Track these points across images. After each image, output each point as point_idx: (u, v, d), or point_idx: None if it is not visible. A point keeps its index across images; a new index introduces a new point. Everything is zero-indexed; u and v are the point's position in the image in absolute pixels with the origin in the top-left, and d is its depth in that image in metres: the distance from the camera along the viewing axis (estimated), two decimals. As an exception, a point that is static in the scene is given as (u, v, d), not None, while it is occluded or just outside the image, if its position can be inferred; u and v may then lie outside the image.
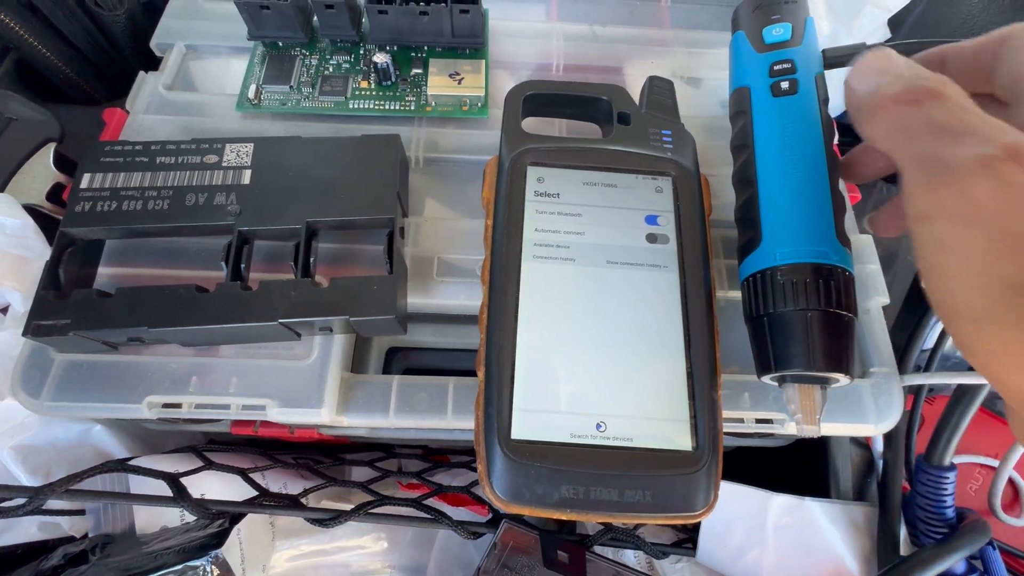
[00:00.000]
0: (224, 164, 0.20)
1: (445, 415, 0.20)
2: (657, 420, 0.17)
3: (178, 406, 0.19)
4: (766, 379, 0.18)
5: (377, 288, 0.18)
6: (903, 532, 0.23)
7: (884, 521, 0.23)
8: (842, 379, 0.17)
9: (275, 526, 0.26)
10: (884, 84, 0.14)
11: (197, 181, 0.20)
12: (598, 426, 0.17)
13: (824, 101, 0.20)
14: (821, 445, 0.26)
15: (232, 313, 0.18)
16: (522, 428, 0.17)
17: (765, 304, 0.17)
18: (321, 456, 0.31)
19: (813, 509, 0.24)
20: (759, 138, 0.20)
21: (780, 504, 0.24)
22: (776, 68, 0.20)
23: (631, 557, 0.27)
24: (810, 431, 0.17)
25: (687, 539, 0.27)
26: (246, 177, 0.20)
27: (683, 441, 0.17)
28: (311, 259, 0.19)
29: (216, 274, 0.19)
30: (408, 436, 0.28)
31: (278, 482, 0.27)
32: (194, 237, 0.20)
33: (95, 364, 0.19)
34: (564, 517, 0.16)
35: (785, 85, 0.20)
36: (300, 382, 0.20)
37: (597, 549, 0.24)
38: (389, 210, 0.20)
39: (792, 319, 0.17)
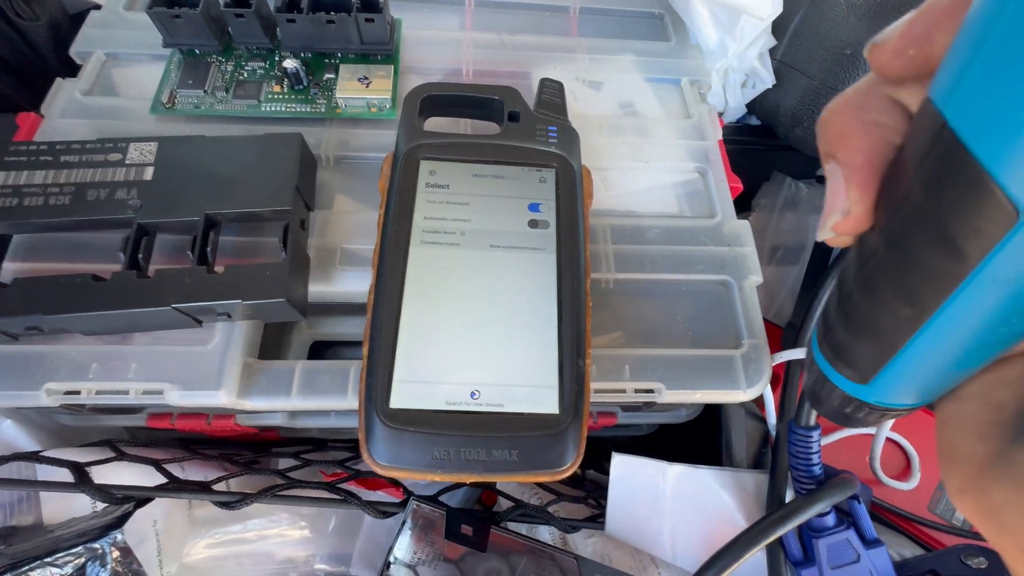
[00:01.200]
0: (127, 162, 0.21)
1: (346, 395, 0.21)
2: (527, 387, 0.19)
3: (78, 393, 0.20)
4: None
5: (270, 273, 0.20)
6: (789, 496, 0.25)
7: (772, 484, 0.25)
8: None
9: (193, 517, 0.26)
10: None
11: (100, 178, 0.21)
12: (472, 394, 0.18)
13: None
14: (719, 420, 0.28)
15: (127, 299, 0.19)
16: (400, 397, 0.18)
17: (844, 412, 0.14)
18: (250, 450, 0.31)
19: (706, 477, 0.26)
20: None
21: (676, 473, 0.25)
22: None
23: (546, 534, 0.28)
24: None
25: (599, 514, 0.28)
26: (148, 174, 0.21)
27: (550, 405, 0.18)
28: (207, 249, 0.20)
29: (118, 267, 0.20)
30: (332, 425, 0.29)
31: (198, 474, 0.27)
32: (96, 232, 0.21)
33: (-5, 354, 0.20)
34: (436, 478, 0.17)
35: None
36: (200, 367, 0.21)
37: (511, 526, 0.26)
38: (285, 202, 0.21)
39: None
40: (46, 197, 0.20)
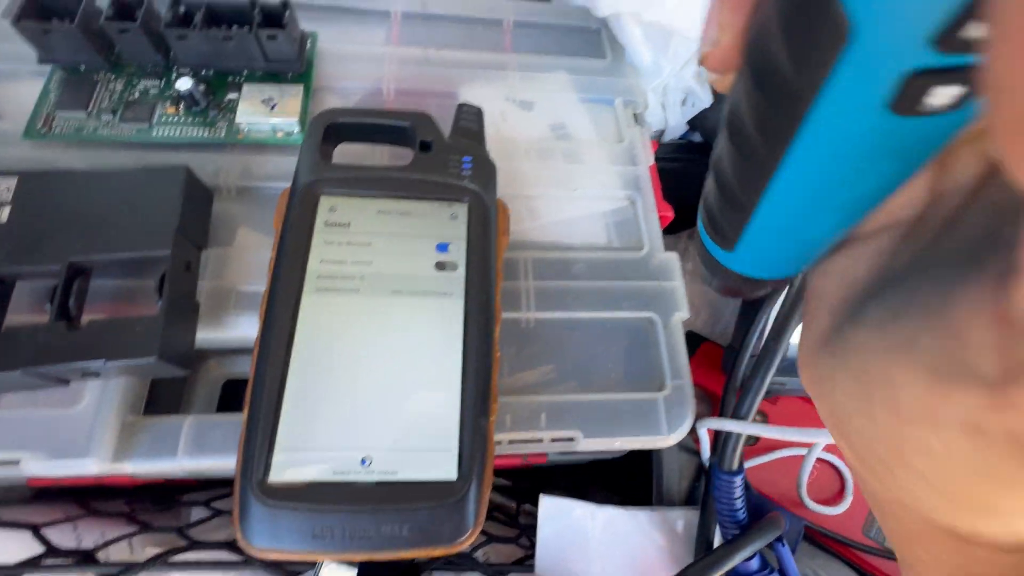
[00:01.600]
0: (-19, 200, 0.19)
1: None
2: (423, 451, 0.17)
3: (-81, 466, 0.18)
4: None
5: (140, 328, 0.18)
6: (718, 535, 0.24)
7: (701, 525, 0.24)
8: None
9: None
10: None
11: (-54, 219, 0.19)
12: (363, 461, 0.17)
13: None
14: (650, 455, 0.28)
15: (-32, 363, 0.17)
16: (281, 470, 0.16)
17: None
18: (160, 499, 0.29)
19: (636, 518, 0.25)
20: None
21: (605, 516, 0.25)
22: None
23: (474, 578, 0.27)
24: None
25: (529, 555, 0.27)
26: (4, 215, 0.19)
27: (448, 471, 0.17)
28: (69, 301, 0.18)
29: (-33, 320, 0.18)
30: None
31: (94, 533, 0.25)
32: (-58, 280, 0.19)
33: None
34: (319, 559, 0.16)
35: None
36: (66, 430, 0.19)
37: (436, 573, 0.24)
38: (164, 246, 0.19)
39: None
40: None
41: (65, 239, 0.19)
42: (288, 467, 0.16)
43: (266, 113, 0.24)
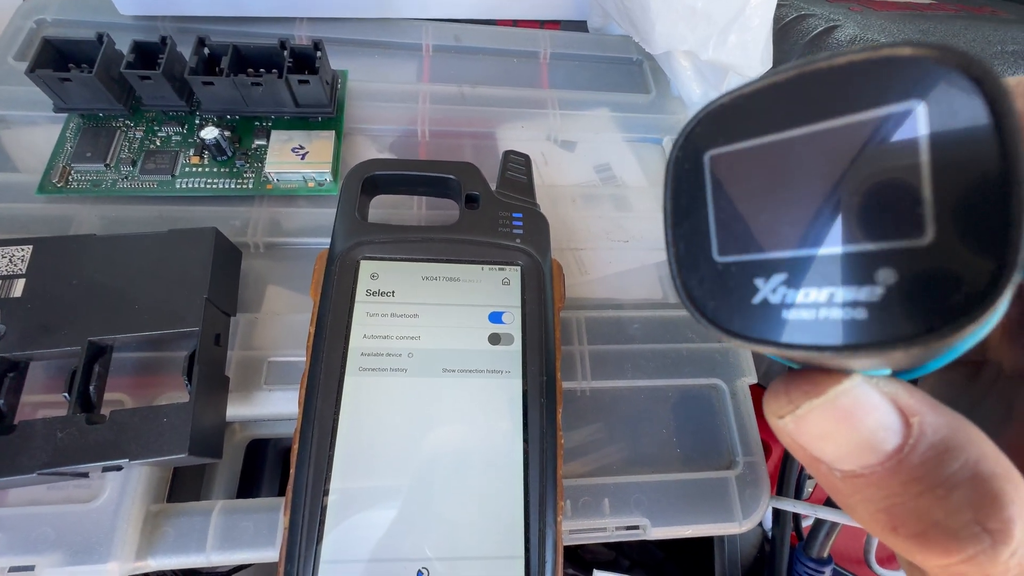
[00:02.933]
0: (-7, 272, 0.17)
1: (274, 545, 0.18)
2: (487, 560, 0.15)
3: (-76, 574, 0.16)
4: None
5: (167, 420, 0.16)
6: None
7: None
8: None
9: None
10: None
11: (-46, 296, 0.17)
12: (419, 574, 0.15)
13: None
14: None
15: (-21, 464, 0.15)
16: (328, 586, 0.14)
17: None
18: None
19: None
20: None
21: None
22: None
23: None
24: None
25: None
26: (18, 288, 0.17)
27: (513, 583, 0.15)
28: (91, 387, 0.16)
29: (-23, 408, 0.16)
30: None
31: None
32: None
33: None
34: None
35: None
36: (85, 528, 0.17)
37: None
38: (193, 322, 0.17)
39: None
40: None
41: (84, 315, 0.17)
42: (336, 584, 0.15)
43: (296, 162, 0.23)
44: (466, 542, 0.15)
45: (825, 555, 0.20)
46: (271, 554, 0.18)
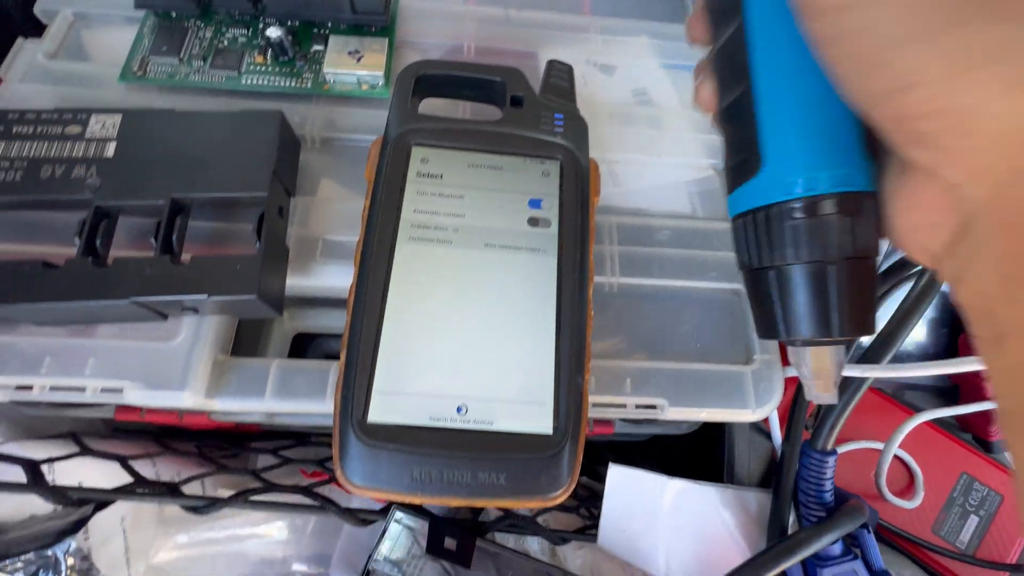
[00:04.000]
0: (88, 136, 0.19)
1: (324, 399, 0.20)
2: (519, 403, 0.17)
3: (30, 388, 0.18)
4: (767, 339, 0.15)
5: (241, 267, 0.18)
6: (792, 519, 0.23)
7: (775, 507, 0.24)
8: (865, 338, 0.14)
9: (163, 514, 0.25)
10: None
11: (56, 152, 0.19)
12: (459, 409, 0.17)
13: None
14: (722, 433, 0.27)
15: (81, 290, 0.17)
16: (379, 411, 0.16)
17: (772, 253, 0.13)
18: (228, 444, 0.30)
19: (707, 494, 0.24)
20: (753, 5, 0.13)
21: (675, 488, 0.24)
22: None
23: (534, 544, 0.27)
24: (826, 399, 0.14)
25: (590, 525, 0.27)
26: (110, 150, 0.19)
27: (543, 424, 0.17)
28: (173, 236, 0.18)
29: (72, 252, 0.18)
30: (316, 423, 0.27)
31: (171, 469, 0.26)
32: (51, 212, 0.19)
33: (-62, 343, 0.18)
34: (416, 500, 0.16)
35: None
36: (164, 363, 0.19)
37: (498, 537, 0.24)
38: (261, 188, 0.19)
39: (810, 275, 0.12)
40: (-5, 172, 0.18)
41: (167, 176, 0.19)
42: (386, 409, 0.16)
43: (352, 65, 0.24)
44: (501, 388, 0.17)
45: (830, 447, 0.21)
46: (322, 407, 0.20)
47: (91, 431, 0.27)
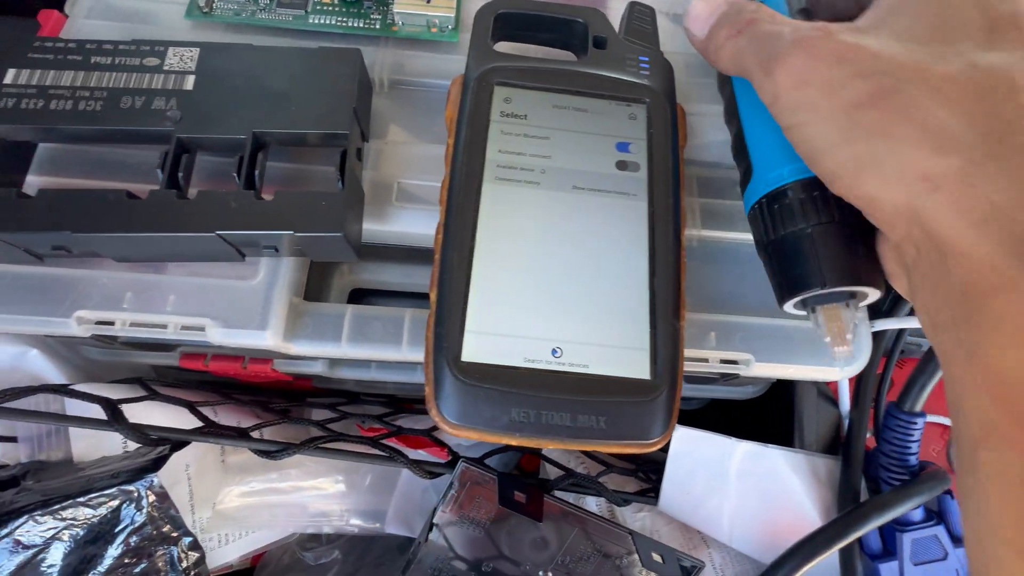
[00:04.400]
0: (166, 68, 0.19)
1: (400, 346, 0.20)
2: (615, 348, 0.16)
3: (111, 324, 0.18)
4: (789, 307, 0.18)
5: (325, 204, 0.17)
6: (863, 487, 0.23)
7: (846, 473, 0.23)
8: (871, 292, 0.16)
9: (226, 463, 0.25)
10: (713, 26, 0.18)
11: (135, 84, 0.18)
12: (554, 351, 0.16)
13: None
14: (789, 397, 0.26)
15: (165, 222, 0.17)
16: (473, 350, 0.16)
17: (774, 228, 0.17)
18: (282, 398, 0.30)
19: (776, 457, 0.24)
20: (737, 84, 0.20)
21: (743, 451, 0.24)
22: None
23: (592, 504, 0.26)
24: (842, 353, 0.17)
25: (650, 488, 0.26)
26: (189, 83, 0.19)
27: (641, 369, 0.16)
28: (256, 172, 0.18)
29: (155, 187, 0.18)
30: (372, 377, 0.27)
31: (231, 419, 0.26)
32: (131, 147, 0.19)
33: (20, 275, 0.18)
34: (514, 442, 0.15)
35: None
36: (244, 303, 0.19)
37: (557, 495, 0.24)
38: (343, 126, 0.18)
39: (803, 237, 0.16)
40: (75, 101, 0.18)
41: (247, 111, 0.18)
42: (480, 348, 0.16)
43: (422, 5, 0.23)
44: (596, 331, 0.17)
45: (918, 408, 0.20)
46: (397, 353, 0.20)
47: (152, 379, 0.27)
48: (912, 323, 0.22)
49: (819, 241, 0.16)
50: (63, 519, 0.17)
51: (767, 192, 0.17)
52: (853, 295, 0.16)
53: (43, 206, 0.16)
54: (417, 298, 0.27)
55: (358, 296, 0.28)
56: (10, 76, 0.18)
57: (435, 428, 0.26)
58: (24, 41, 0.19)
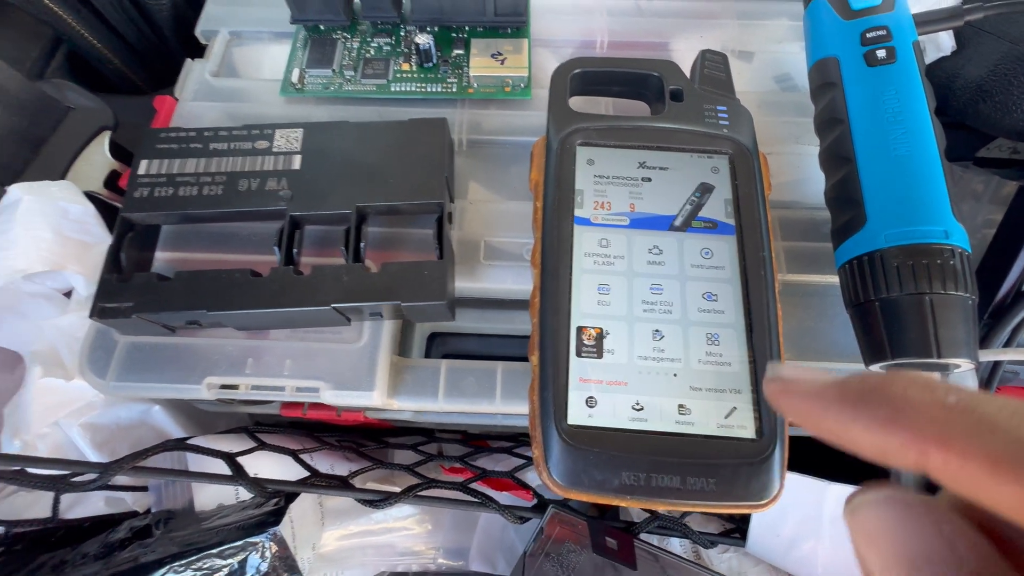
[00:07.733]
0: (275, 149, 0.21)
1: (494, 399, 0.20)
2: (720, 404, 0.17)
3: (235, 387, 0.20)
4: (876, 367, 0.17)
5: (428, 273, 0.18)
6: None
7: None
8: (964, 364, 0.16)
9: (324, 507, 0.26)
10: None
11: (249, 167, 0.20)
12: (659, 412, 0.17)
13: (923, 69, 0.19)
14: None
15: (286, 297, 0.18)
16: (578, 413, 0.16)
17: (876, 288, 0.17)
18: (364, 439, 0.31)
19: (872, 501, 0.23)
20: (854, 112, 0.19)
21: (837, 494, 0.23)
22: (869, 36, 0.19)
23: (676, 545, 0.26)
24: None
25: (735, 529, 0.26)
26: (296, 162, 0.20)
27: (747, 429, 0.16)
28: (361, 244, 0.19)
29: (268, 258, 0.19)
30: (448, 420, 0.28)
31: (324, 463, 0.27)
32: (247, 222, 0.21)
33: (156, 346, 0.20)
34: (624, 504, 0.16)
35: (882, 54, 0.19)
36: (352, 365, 0.20)
37: (643, 536, 0.24)
38: (438, 195, 0.20)
39: (909, 304, 0.16)
40: (199, 187, 0.20)
41: (349, 186, 0.20)
42: (585, 412, 0.16)
43: (496, 67, 0.24)
44: (700, 391, 0.17)
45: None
46: (489, 406, 0.20)
47: (257, 428, 0.28)
48: (1009, 355, 0.21)
49: (936, 311, 0.16)
50: (199, 570, 0.19)
51: (879, 248, 0.17)
52: (948, 366, 0.16)
53: (180, 288, 0.18)
54: (491, 338, 0.28)
55: (434, 339, 0.29)
56: (143, 167, 0.20)
57: (517, 469, 0.27)
58: (151, 134, 0.21)
